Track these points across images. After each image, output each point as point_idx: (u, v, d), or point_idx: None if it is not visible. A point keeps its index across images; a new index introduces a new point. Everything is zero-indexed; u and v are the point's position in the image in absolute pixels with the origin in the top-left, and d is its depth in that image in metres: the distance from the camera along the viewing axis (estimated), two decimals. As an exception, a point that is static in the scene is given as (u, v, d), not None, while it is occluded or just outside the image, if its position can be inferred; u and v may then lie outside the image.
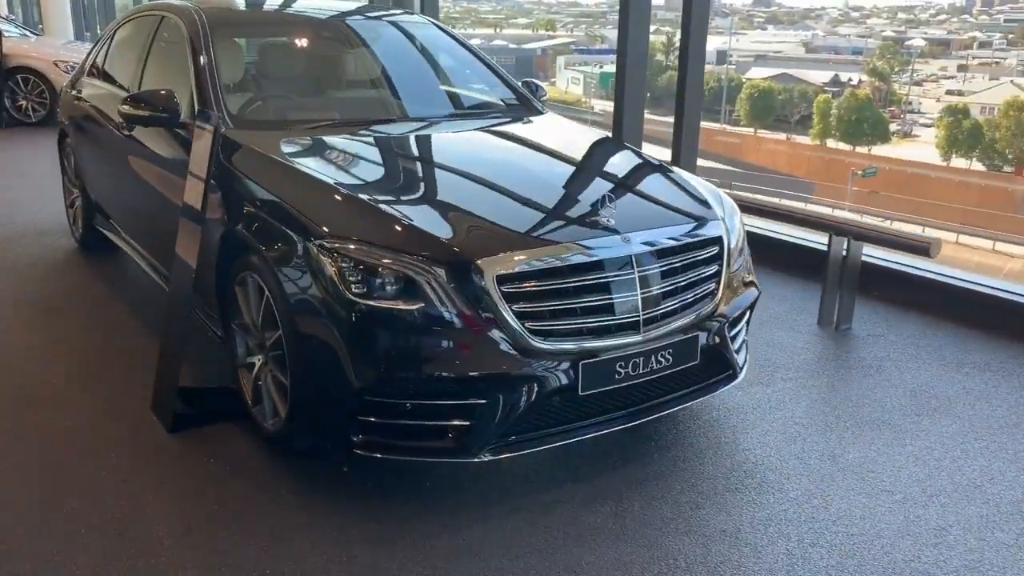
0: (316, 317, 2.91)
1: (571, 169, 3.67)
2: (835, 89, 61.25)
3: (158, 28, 4.64)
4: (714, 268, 3.31)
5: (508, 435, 2.91)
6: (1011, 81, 63.85)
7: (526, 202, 3.24)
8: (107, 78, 5.19)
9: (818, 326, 4.73)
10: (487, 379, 2.85)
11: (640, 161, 3.85)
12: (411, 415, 2.88)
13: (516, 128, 4.20)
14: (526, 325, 2.85)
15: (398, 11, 5.07)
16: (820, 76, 64.46)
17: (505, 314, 2.83)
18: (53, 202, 7.04)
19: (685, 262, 3.20)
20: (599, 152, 3.92)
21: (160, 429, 3.51)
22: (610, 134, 5.52)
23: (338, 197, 3.13)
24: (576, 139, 4.10)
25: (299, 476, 3.18)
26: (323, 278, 2.88)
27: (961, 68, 76.49)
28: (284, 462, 3.25)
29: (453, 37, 4.90)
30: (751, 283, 3.54)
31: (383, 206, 3.06)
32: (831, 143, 55.39)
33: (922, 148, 56.47)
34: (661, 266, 3.10)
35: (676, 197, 3.50)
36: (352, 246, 2.88)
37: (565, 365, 2.91)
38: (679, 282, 3.16)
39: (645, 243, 3.08)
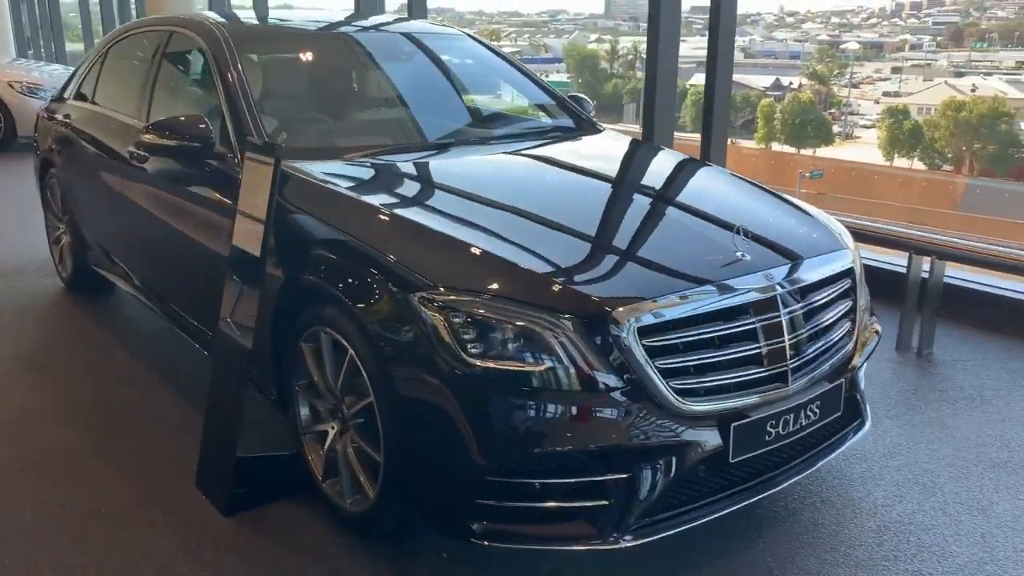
0: (422, 383, 2.46)
1: (682, 197, 3.21)
2: (776, 93, 62.09)
3: (166, 45, 4.13)
4: (848, 304, 2.94)
5: (650, 514, 2.48)
6: (945, 82, 65.39)
7: (651, 238, 2.82)
8: (102, 102, 4.65)
9: (897, 352, 4.39)
10: (629, 450, 2.42)
11: (746, 184, 3.45)
12: (540, 496, 2.44)
13: (592, 149, 3.78)
14: (671, 384, 2.43)
15: (430, 23, 4.60)
16: (761, 81, 65.31)
17: (649, 371, 2.41)
18: (28, 235, 6.46)
19: (825, 299, 2.82)
20: (697, 176, 3.51)
21: (209, 509, 3.01)
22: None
23: (437, 238, 2.67)
24: (662, 161, 3.69)
25: (391, 565, 2.72)
26: (431, 337, 2.43)
27: (895, 70, 78.26)
28: (370, 548, 2.78)
29: (491, 49, 4.46)
30: (874, 324, 3.18)
31: (491, 247, 2.61)
32: (776, 146, 56.06)
33: (863, 149, 57.43)
34: (805, 305, 2.71)
35: (800, 225, 3.11)
36: (464, 298, 2.43)
37: (713, 428, 2.50)
38: (822, 322, 2.78)
39: (788, 280, 2.69)
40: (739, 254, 2.69)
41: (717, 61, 5.87)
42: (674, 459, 2.45)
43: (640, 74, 67.79)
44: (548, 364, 2.38)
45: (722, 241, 2.77)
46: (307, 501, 3.01)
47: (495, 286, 2.46)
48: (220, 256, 3.32)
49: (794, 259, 2.79)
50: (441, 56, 4.32)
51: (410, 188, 3.14)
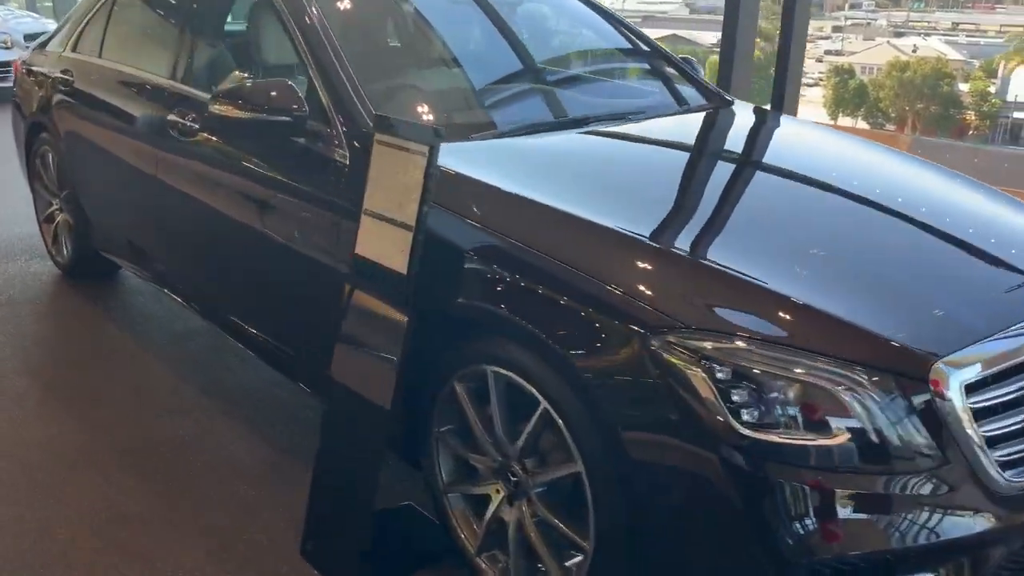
0: (670, 457, 1.84)
1: (915, 199, 2.59)
2: (723, 50, 61.79)
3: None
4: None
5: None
6: (888, 42, 65.98)
7: (924, 260, 2.22)
8: (116, 57, 3.85)
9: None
10: (944, 544, 1.84)
11: (962, 177, 2.86)
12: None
13: (757, 130, 3.16)
14: (995, 455, 1.86)
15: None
16: (708, 37, 64.99)
17: (972, 440, 1.82)
18: (4, 208, 5.59)
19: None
20: (913, 171, 2.88)
21: (324, 589, 2.38)
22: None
23: (673, 260, 2.02)
24: (852, 151, 3.06)
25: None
26: (683, 397, 1.81)
27: (836, 29, 78.75)
28: (554, 649, 2.18)
29: (590, 5, 3.75)
30: None
31: (751, 272, 1.98)
32: (722, 104, 55.94)
33: (806, 107, 57.65)
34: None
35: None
36: (728, 344, 1.81)
37: (1029, 509, 1.93)
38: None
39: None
40: (1033, 277, 2.12)
41: (794, 18, 5.29)
42: (988, 553, 1.89)
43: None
44: (845, 436, 1.78)
45: (996, 259, 2.19)
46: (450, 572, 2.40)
47: (770, 329, 1.85)
48: (311, 260, 2.67)
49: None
50: (540, 14, 3.63)
51: (593, 182, 2.47)
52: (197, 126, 3.09)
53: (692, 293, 1.93)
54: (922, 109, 51.87)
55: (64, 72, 4.10)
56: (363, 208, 2.31)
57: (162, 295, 4.11)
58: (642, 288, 1.92)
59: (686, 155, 2.84)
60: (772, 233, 2.22)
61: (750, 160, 2.80)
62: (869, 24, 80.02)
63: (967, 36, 74.56)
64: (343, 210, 2.53)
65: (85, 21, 4.17)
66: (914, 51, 59.62)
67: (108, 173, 3.79)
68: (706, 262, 1.99)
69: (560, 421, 2.00)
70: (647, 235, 2.08)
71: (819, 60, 69.16)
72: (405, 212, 2.18)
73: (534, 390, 2.04)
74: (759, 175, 2.68)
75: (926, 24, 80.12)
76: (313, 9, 2.86)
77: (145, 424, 3.17)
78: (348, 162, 2.55)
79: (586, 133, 2.83)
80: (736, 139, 3.03)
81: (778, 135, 3.13)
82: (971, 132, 51.14)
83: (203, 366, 3.59)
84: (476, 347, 2.18)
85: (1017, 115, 47.96)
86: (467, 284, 2.19)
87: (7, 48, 9.30)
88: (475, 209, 2.26)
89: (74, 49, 4.18)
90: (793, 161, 2.79)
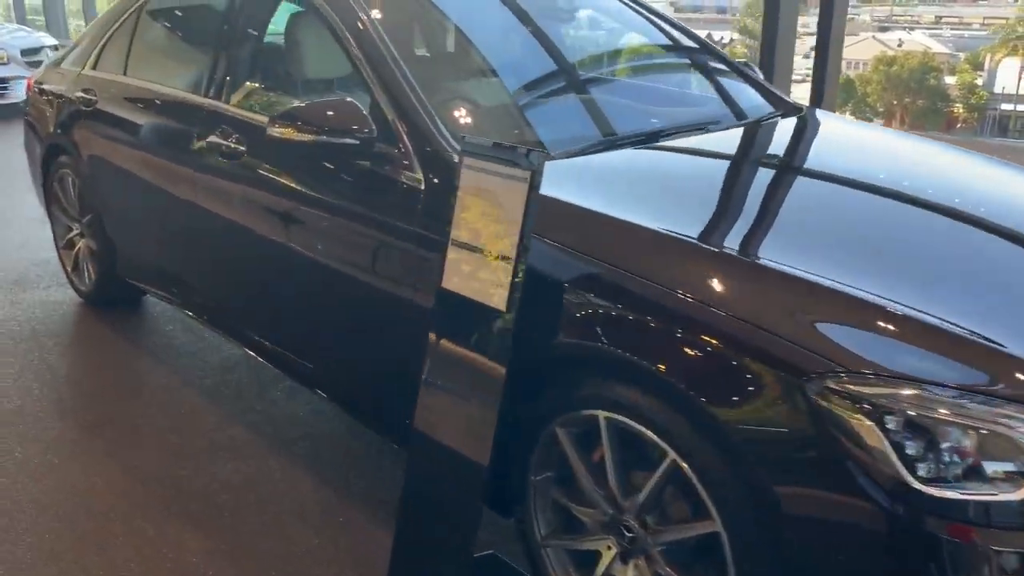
0: (830, 514, 1.65)
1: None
2: (710, 48, 61.77)
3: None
4: None
5: None
6: (873, 36, 66.19)
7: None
8: (144, 75, 3.63)
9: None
10: None
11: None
12: None
13: (852, 141, 2.99)
14: None
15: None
16: (694, 35, 64.82)
17: None
18: (14, 232, 5.36)
19: None
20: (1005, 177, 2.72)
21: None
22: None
23: (827, 295, 1.81)
24: (941, 153, 2.89)
25: None
26: (847, 447, 1.61)
27: (820, 24, 78.77)
28: None
29: (648, 10, 3.55)
30: None
31: (917, 307, 1.77)
32: (710, 102, 55.89)
33: (794, 104, 57.67)
34: None
35: None
36: (903, 391, 1.62)
37: None
38: None
39: None
40: None
41: (832, 15, 5.12)
42: None
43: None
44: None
45: None
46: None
47: (940, 370, 1.65)
48: (379, 290, 2.47)
49: None
50: (587, 17, 3.43)
51: (704, 204, 2.27)
52: (243, 148, 2.88)
53: (851, 332, 1.73)
54: (910, 103, 51.97)
55: (85, 91, 3.88)
56: (450, 238, 2.10)
57: (192, 323, 3.91)
58: (793, 327, 1.72)
59: (793, 172, 2.63)
60: (915, 261, 2.03)
61: (863, 178, 2.56)
62: (852, 19, 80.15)
63: (951, 29, 74.80)
64: (417, 237, 2.33)
65: (105, 38, 3.95)
66: (899, 45, 59.78)
67: (138, 197, 3.57)
68: (864, 296, 1.78)
69: (692, 474, 1.80)
70: (791, 265, 1.87)
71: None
72: (503, 243, 1.98)
73: (659, 439, 1.84)
74: (874, 195, 2.46)
75: (909, 18, 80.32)
76: (363, 15, 2.66)
77: (192, 466, 2.96)
78: (423, 186, 2.35)
79: (669, 148, 2.63)
80: (835, 152, 2.84)
81: (875, 146, 2.94)
82: (959, 125, 51.18)
83: (246, 400, 3.38)
84: (586, 390, 1.98)
85: (1005, 107, 48.04)
86: (575, 322, 1.98)
87: (3, 64, 9.06)
88: (583, 238, 2.05)
89: (94, 67, 3.96)
90: (912, 180, 2.56)
